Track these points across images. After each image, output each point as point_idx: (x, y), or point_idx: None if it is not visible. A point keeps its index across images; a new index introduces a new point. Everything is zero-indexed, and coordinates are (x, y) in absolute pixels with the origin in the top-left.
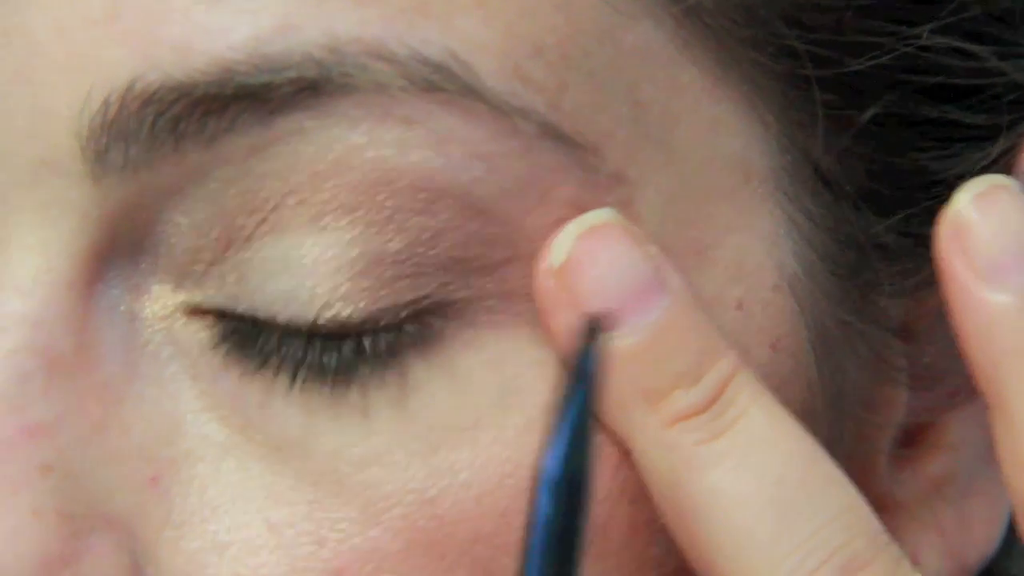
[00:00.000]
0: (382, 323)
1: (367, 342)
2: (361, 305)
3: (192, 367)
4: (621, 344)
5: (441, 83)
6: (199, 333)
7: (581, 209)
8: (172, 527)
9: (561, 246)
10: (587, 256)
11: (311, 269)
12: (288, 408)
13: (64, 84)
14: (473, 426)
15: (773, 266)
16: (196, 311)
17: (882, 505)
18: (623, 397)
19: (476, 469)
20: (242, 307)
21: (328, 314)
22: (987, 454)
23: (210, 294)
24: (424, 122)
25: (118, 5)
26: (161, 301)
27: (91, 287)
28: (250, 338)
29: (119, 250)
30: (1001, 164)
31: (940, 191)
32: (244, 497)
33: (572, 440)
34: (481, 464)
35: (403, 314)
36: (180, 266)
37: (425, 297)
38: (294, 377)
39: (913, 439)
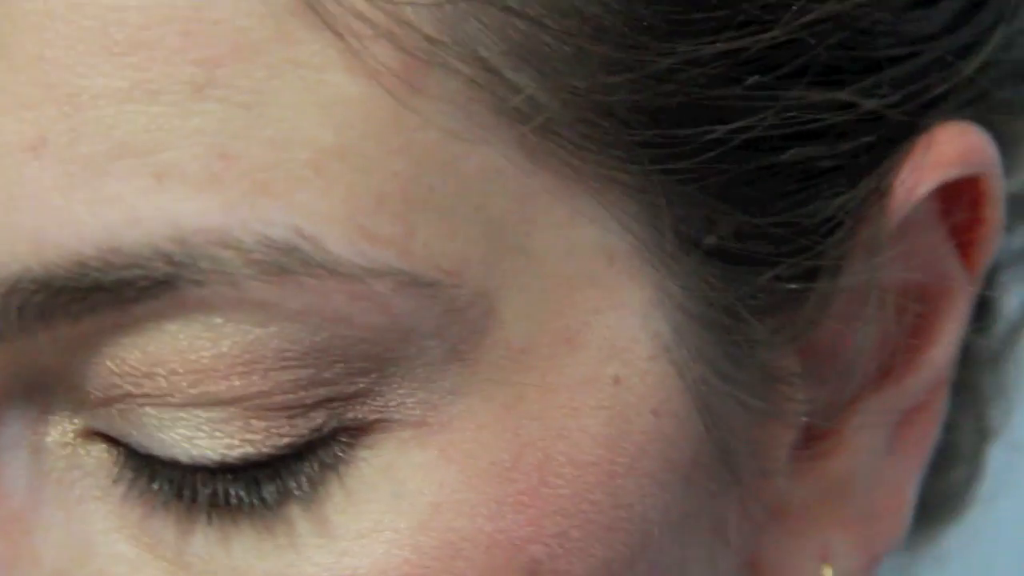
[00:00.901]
0: (293, 452)
1: (282, 479)
2: (265, 444)
3: (98, 488)
4: None
5: (291, 265)
6: (102, 455)
7: (443, 335)
8: None
9: None
10: None
11: (202, 421)
12: (192, 529)
13: None
14: (369, 532)
15: (647, 338)
16: (97, 433)
17: (784, 512)
18: None
19: (378, 569)
20: (136, 446)
21: (235, 453)
22: (887, 444)
23: (105, 424)
24: (278, 303)
25: None
26: (60, 427)
27: None
28: (153, 472)
29: (14, 395)
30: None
31: (806, 243)
32: None
33: None
34: (380, 569)
35: (308, 440)
36: (76, 398)
37: (318, 428)
38: (208, 513)
39: (810, 440)
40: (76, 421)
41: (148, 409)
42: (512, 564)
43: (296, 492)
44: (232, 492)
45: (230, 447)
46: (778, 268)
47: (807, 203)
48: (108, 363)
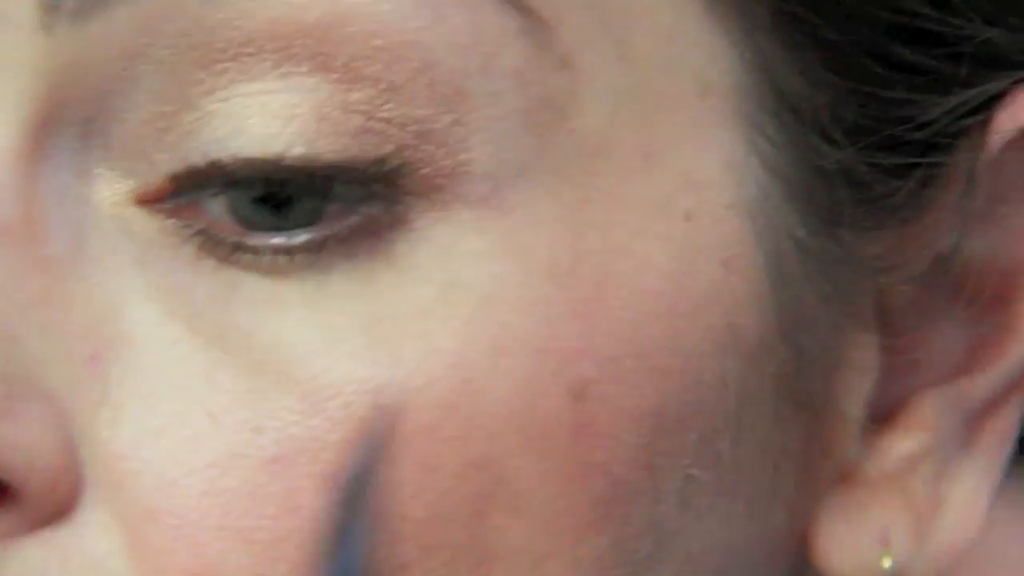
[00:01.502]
0: (349, 178)
1: (328, 231)
2: (326, 150)
3: (141, 255)
4: None
5: None
6: (151, 222)
7: (525, 84)
8: (109, 408)
9: None
10: None
11: (275, 113)
12: (234, 299)
13: None
14: (421, 318)
15: (729, 184)
16: (148, 199)
17: (850, 477)
18: None
19: (421, 360)
20: (196, 158)
21: (295, 152)
22: (966, 439)
23: (163, 168)
24: None
25: None
26: (112, 187)
27: (40, 164)
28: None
29: (69, 124)
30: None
31: (907, 128)
32: (183, 384)
33: None
34: (425, 355)
35: (370, 171)
36: (133, 145)
37: (387, 158)
38: (246, 268)
39: (887, 417)
40: (130, 180)
41: (225, 94)
42: (559, 376)
43: (341, 269)
44: (278, 250)
45: (292, 144)
46: (875, 138)
47: (911, 93)
48: (187, 51)
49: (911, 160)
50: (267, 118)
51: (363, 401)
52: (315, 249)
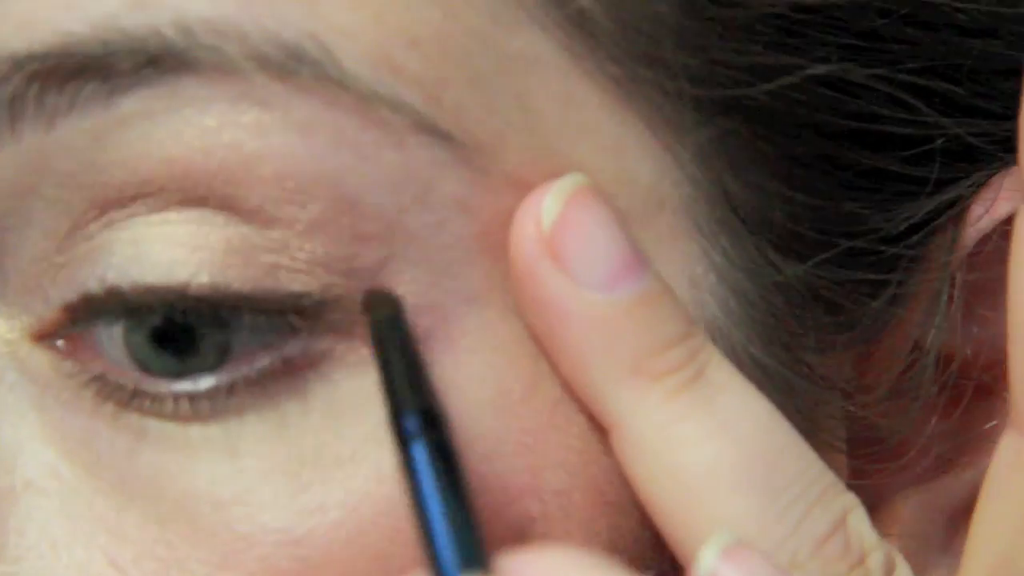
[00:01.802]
0: (264, 307)
1: (238, 373)
2: (236, 281)
3: (39, 397)
4: (610, 309)
5: (296, 67)
6: (48, 361)
7: (471, 210)
8: (8, 562)
9: (550, 211)
10: (577, 221)
11: (180, 241)
12: (139, 447)
13: None
14: (349, 459)
15: (690, 303)
16: (43, 335)
17: None
18: (611, 363)
19: (349, 507)
20: (92, 285)
21: (201, 280)
22: (945, 542)
23: (56, 300)
24: (283, 107)
25: None
26: (6, 324)
27: None
28: (100, 375)
29: None
30: (943, 217)
31: (870, 237)
32: (87, 533)
33: (413, 383)
34: (355, 502)
35: (287, 304)
36: (28, 280)
37: (307, 295)
38: (150, 413)
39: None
40: (25, 317)
41: (120, 229)
42: (501, 515)
43: (262, 409)
44: (188, 396)
45: (197, 274)
46: (830, 253)
47: (875, 207)
48: (78, 190)
49: (879, 276)
50: (171, 245)
51: (283, 553)
52: (224, 393)
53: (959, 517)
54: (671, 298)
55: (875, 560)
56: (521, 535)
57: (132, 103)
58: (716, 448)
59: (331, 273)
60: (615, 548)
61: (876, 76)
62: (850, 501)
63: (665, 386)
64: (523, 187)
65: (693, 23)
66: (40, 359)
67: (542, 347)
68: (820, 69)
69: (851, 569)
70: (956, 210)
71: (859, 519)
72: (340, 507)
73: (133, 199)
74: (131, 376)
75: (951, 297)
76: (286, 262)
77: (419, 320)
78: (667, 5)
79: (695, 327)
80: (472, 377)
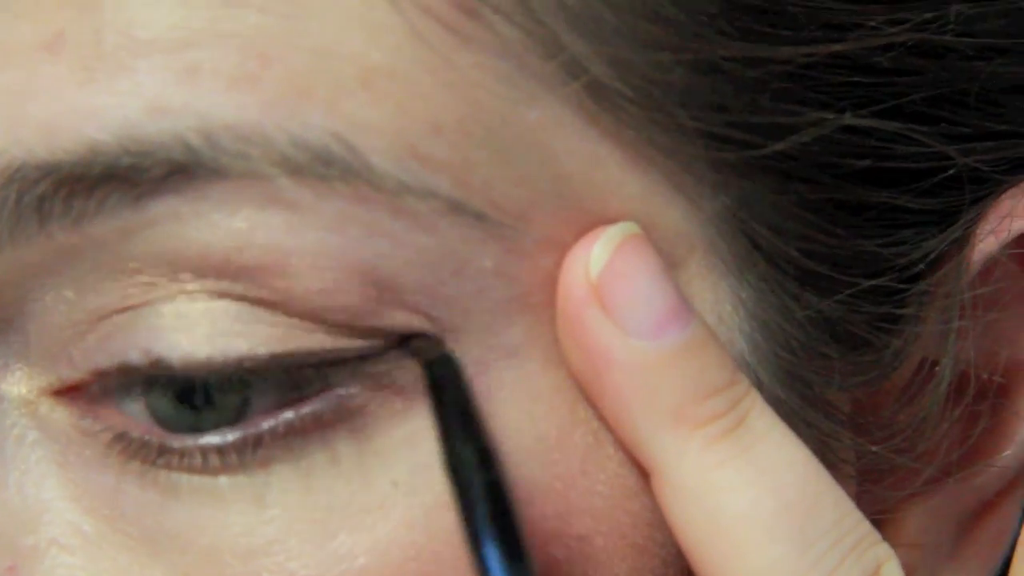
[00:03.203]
0: (290, 366)
1: (264, 426)
2: (264, 353)
3: (60, 454)
4: (655, 357)
5: (323, 169)
6: (68, 418)
7: (509, 277)
8: None
9: (598, 258)
10: (626, 266)
11: (223, 329)
12: (168, 503)
13: None
14: (378, 507)
15: (724, 342)
16: (65, 392)
17: None
18: (653, 409)
19: (377, 554)
20: (135, 357)
21: (230, 355)
22: (953, 551)
23: (84, 364)
24: (313, 207)
25: None
26: (27, 383)
27: None
28: (122, 434)
29: None
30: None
31: (890, 275)
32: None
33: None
34: (383, 549)
35: (317, 364)
36: (51, 344)
37: (340, 354)
38: (180, 469)
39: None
40: (48, 375)
41: (152, 311)
42: None
43: (291, 460)
44: (215, 449)
45: (229, 347)
46: (852, 291)
47: (891, 242)
48: (106, 278)
49: (898, 311)
50: (199, 336)
51: None
52: (251, 445)
53: (967, 524)
54: (716, 346)
55: None
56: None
57: (160, 207)
58: (753, 495)
59: (367, 338)
60: None
61: (885, 112)
62: (884, 553)
63: (706, 433)
64: (559, 247)
65: (705, 86)
66: (60, 416)
67: (585, 392)
68: (830, 116)
69: None
70: (964, 235)
71: (892, 571)
72: (368, 553)
73: (164, 289)
74: (155, 432)
75: (961, 316)
76: (322, 334)
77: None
78: (679, 71)
79: (738, 375)
80: (509, 427)
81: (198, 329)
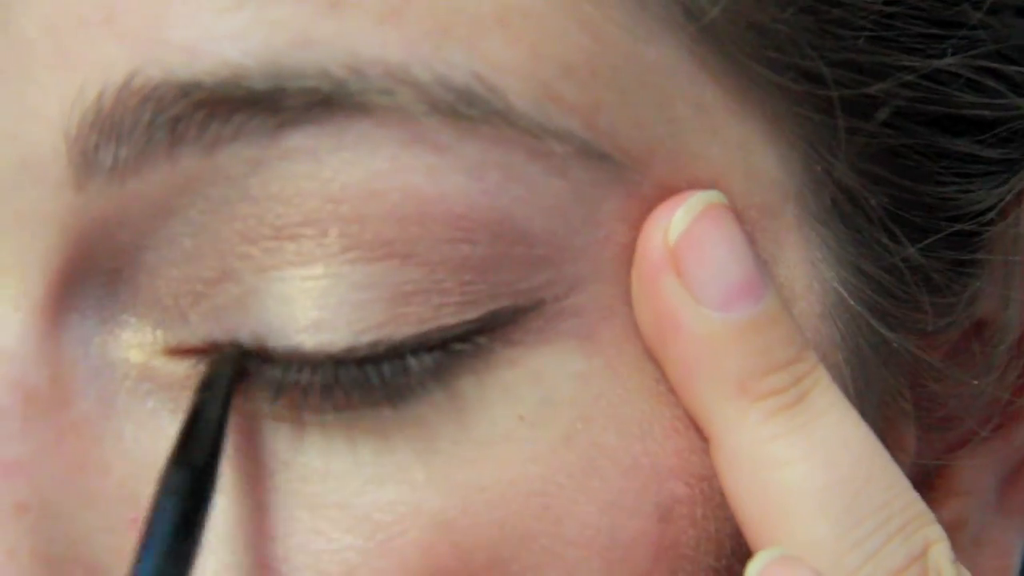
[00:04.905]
0: (428, 345)
1: (392, 366)
2: (403, 332)
3: (172, 402)
4: (722, 329)
5: (468, 111)
6: (180, 367)
7: (630, 221)
8: None
9: (678, 224)
10: (705, 235)
11: (342, 302)
12: (294, 442)
13: (54, 81)
14: (503, 440)
15: (817, 292)
16: (179, 351)
17: None
18: (716, 379)
19: (502, 487)
20: (244, 337)
21: (366, 339)
22: (998, 503)
23: (200, 330)
24: (454, 148)
25: (114, 7)
26: (138, 335)
27: (63, 315)
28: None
29: (95, 274)
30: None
31: (969, 221)
32: (233, 531)
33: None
34: (508, 481)
35: (451, 335)
36: (164, 299)
37: (474, 321)
38: (298, 404)
39: (926, 483)
40: (160, 332)
41: (276, 274)
42: (646, 493)
43: (425, 391)
44: (338, 384)
45: (364, 331)
46: (936, 236)
47: (965, 190)
48: (229, 221)
49: (972, 256)
50: (330, 310)
51: (437, 538)
52: (401, 377)
53: (1013, 478)
54: (787, 321)
55: None
56: (668, 514)
57: (299, 138)
58: (805, 470)
59: (498, 300)
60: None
61: (962, 63)
62: (935, 534)
63: (765, 406)
64: (671, 192)
65: (807, 25)
66: (173, 368)
67: (653, 354)
68: (918, 62)
69: None
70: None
71: (941, 553)
72: (493, 487)
73: (291, 237)
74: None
75: (1017, 265)
76: (454, 299)
77: (597, 326)
78: (784, 10)
79: (806, 352)
80: (633, 367)
81: (307, 320)
